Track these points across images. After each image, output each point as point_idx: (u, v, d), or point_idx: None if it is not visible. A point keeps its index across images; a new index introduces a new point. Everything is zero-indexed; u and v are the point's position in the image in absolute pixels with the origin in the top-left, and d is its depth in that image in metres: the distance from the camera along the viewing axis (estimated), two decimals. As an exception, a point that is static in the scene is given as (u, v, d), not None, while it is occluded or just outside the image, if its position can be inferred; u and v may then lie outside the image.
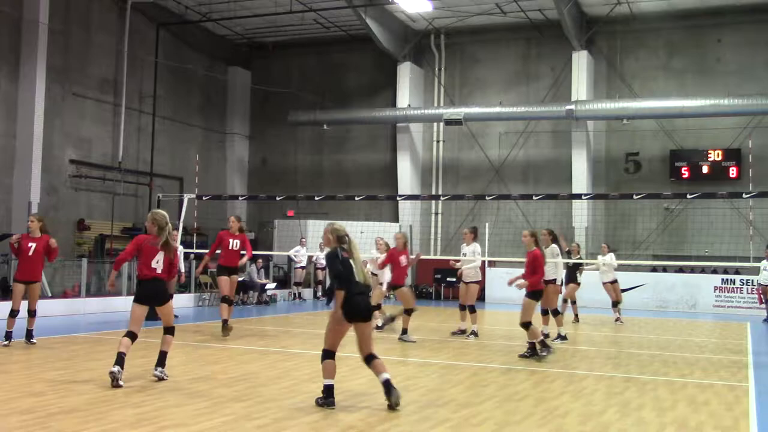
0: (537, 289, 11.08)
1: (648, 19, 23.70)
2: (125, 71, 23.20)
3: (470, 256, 13.90)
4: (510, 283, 11.37)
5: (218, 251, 13.13)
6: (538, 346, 10.86)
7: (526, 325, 10.83)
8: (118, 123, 23.25)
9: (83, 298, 16.98)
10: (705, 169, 22.94)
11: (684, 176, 23.07)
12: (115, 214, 22.53)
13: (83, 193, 22.35)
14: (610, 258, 17.42)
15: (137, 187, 24.11)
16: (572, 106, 23.12)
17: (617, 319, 17.19)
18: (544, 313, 13.03)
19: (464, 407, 7.37)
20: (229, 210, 27.51)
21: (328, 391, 7.13)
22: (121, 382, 7.80)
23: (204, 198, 20.52)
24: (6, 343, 10.81)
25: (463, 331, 13.86)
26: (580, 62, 23.84)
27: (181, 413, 6.75)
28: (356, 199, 20.20)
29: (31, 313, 11.17)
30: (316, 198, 20.95)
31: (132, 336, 8.12)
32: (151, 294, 8.32)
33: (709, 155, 22.99)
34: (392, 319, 13.58)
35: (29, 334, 11.09)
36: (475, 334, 13.50)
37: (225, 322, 12.67)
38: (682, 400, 8.04)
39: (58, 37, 20.89)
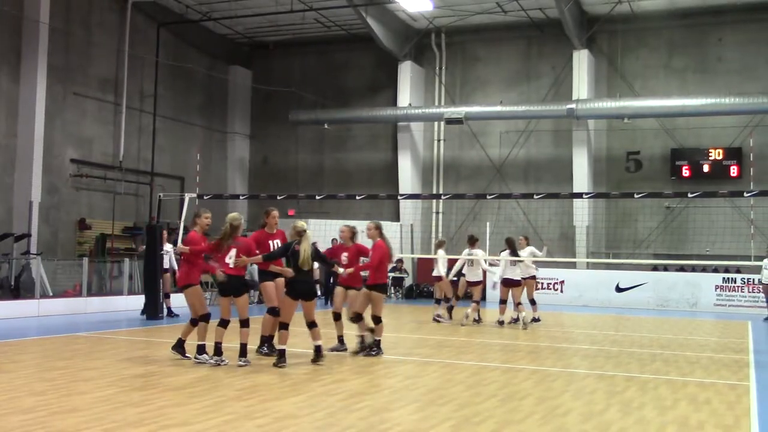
0: (381, 282, 10.64)
1: (649, 18, 23.67)
2: (126, 70, 23.19)
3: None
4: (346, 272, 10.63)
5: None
6: (368, 339, 10.62)
7: (377, 319, 10.53)
8: (118, 122, 23.25)
9: (84, 297, 17.01)
10: (706, 168, 22.88)
11: (685, 175, 23.03)
12: (116, 214, 22.53)
13: (84, 193, 22.36)
14: (530, 251, 15.70)
15: (138, 186, 24.11)
16: (573, 105, 23.10)
17: (526, 323, 15.03)
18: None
19: (465, 406, 7.36)
20: (230, 209, 27.52)
21: (281, 354, 9.18)
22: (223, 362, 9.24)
23: (205, 197, 20.51)
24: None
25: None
26: (581, 61, 23.80)
27: (182, 412, 6.75)
28: (357, 198, 20.15)
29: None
30: (317, 197, 20.92)
31: (223, 323, 9.37)
32: (227, 288, 9.46)
33: (710, 154, 22.94)
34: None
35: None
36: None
37: (271, 338, 10.29)
38: (683, 399, 8.03)
39: (59, 37, 20.88)
